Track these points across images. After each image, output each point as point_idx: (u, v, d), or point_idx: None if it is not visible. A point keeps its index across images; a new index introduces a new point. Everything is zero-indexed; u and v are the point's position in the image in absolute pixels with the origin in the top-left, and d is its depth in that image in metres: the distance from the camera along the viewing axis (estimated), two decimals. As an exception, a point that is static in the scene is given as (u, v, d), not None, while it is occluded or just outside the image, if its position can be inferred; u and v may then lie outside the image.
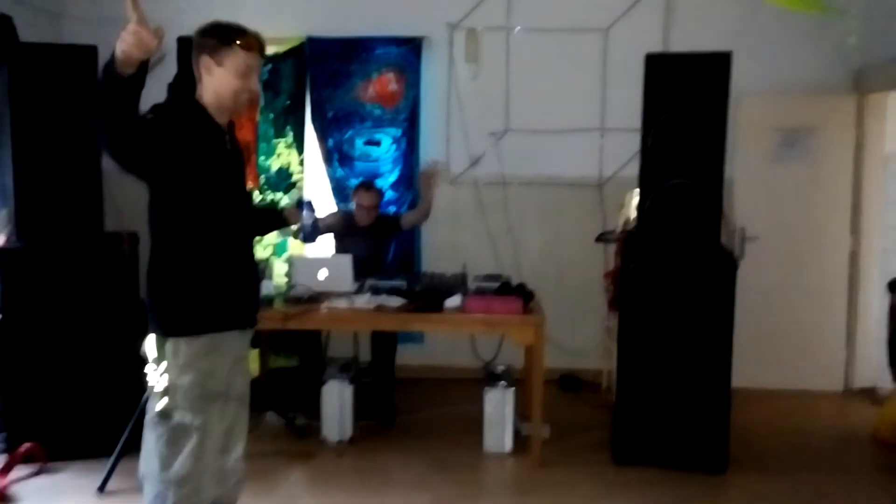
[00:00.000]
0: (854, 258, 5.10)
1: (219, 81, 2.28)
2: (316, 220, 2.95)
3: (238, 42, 2.27)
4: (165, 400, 2.28)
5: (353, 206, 4.78)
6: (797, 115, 5.01)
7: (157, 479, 2.32)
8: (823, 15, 4.37)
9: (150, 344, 2.32)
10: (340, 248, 4.73)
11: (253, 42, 2.30)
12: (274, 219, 3.11)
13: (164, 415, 2.28)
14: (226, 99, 2.30)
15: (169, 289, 2.30)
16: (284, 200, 5.19)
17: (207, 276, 2.31)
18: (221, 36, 2.28)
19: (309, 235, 2.97)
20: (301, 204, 2.92)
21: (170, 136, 2.16)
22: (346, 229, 4.70)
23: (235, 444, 2.48)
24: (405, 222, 4.82)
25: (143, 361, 2.36)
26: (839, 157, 5.02)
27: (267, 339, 4.84)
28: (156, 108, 2.21)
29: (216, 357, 2.33)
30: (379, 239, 4.80)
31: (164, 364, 2.28)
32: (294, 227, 3.31)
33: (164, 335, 2.28)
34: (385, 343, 4.53)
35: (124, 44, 1.92)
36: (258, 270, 2.65)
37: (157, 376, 2.28)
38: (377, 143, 5.19)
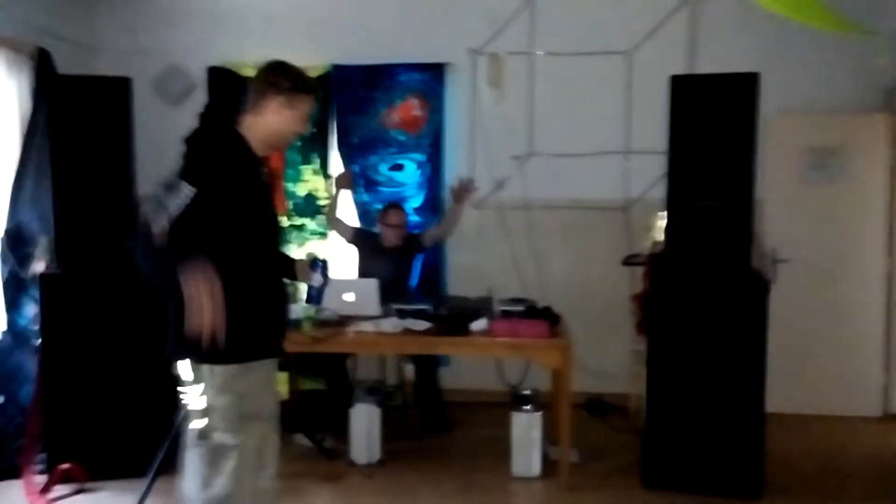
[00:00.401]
0: (891, 280, 5.01)
1: (283, 123, 2.38)
2: (325, 285, 2.81)
3: (310, 92, 2.42)
4: (204, 421, 2.31)
5: (378, 228, 4.84)
6: (828, 134, 4.96)
7: (200, 499, 2.35)
8: (854, 34, 4.34)
9: (184, 366, 2.35)
10: (365, 270, 4.76)
11: (316, 93, 2.46)
12: (286, 268, 3.00)
13: (203, 435, 2.33)
14: (281, 139, 2.44)
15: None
16: (311, 225, 5.25)
17: (244, 307, 2.33)
18: (298, 82, 2.40)
19: (316, 298, 2.84)
20: (315, 264, 2.82)
21: (212, 192, 2.21)
22: (371, 250, 4.75)
23: (269, 462, 2.52)
24: (427, 238, 4.87)
25: (178, 382, 2.40)
26: (872, 177, 4.96)
27: (295, 362, 4.88)
28: (195, 155, 2.25)
29: (251, 378, 2.38)
30: (404, 259, 4.83)
31: (201, 386, 2.31)
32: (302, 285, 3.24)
33: (199, 362, 2.32)
34: (425, 361, 4.68)
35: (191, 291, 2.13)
36: (287, 302, 2.67)
37: (194, 398, 2.32)
38: (402, 168, 5.24)
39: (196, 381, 2.32)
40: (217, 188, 2.22)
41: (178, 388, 2.40)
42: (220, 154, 2.27)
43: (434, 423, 4.73)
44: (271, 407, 2.53)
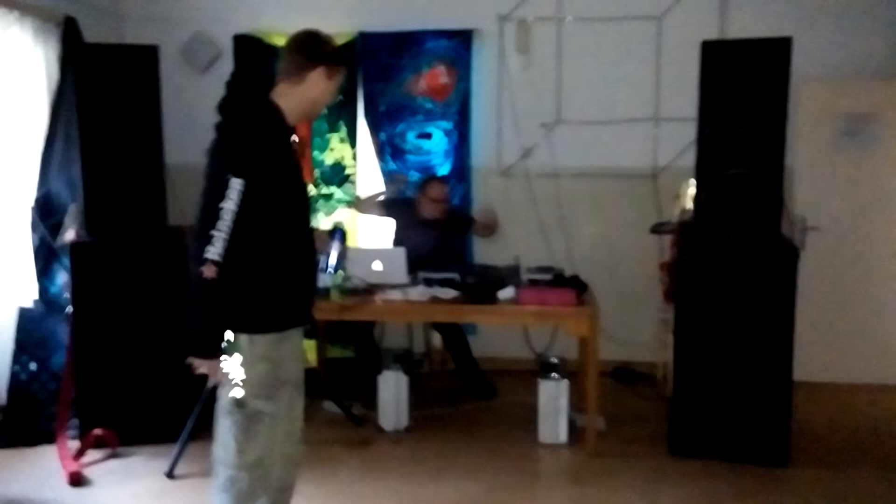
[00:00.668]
0: (919, 248, 4.94)
1: (322, 93, 2.41)
2: (342, 254, 2.78)
3: (345, 64, 2.46)
4: (240, 389, 2.35)
5: (417, 198, 4.73)
6: (861, 101, 4.86)
7: (232, 464, 2.39)
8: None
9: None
10: (401, 238, 4.69)
11: (337, 50, 2.48)
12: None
13: (240, 403, 2.36)
14: (316, 109, 2.47)
15: (243, 291, 2.32)
16: (338, 193, 5.26)
17: (280, 277, 2.35)
18: (336, 54, 2.43)
19: (333, 266, 2.78)
20: (334, 232, 2.77)
21: (259, 178, 2.21)
22: (407, 219, 4.70)
23: (294, 427, 2.56)
24: (476, 230, 4.92)
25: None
26: (903, 144, 4.87)
27: (323, 330, 4.93)
28: (237, 139, 2.24)
29: (285, 346, 2.42)
30: (447, 235, 4.79)
31: (238, 356, 2.35)
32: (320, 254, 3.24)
33: (237, 332, 2.34)
34: (452, 333, 4.74)
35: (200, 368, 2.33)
36: (316, 269, 2.69)
37: (231, 366, 2.35)
38: (429, 136, 5.22)
39: (233, 350, 2.35)
40: (263, 173, 2.23)
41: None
42: (262, 135, 2.26)
43: (479, 389, 4.79)
44: (299, 371, 2.57)
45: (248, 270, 2.30)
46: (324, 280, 4.06)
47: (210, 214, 2.17)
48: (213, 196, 2.18)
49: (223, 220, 2.16)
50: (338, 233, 2.73)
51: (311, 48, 2.39)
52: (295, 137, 2.44)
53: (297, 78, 2.37)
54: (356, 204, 5.04)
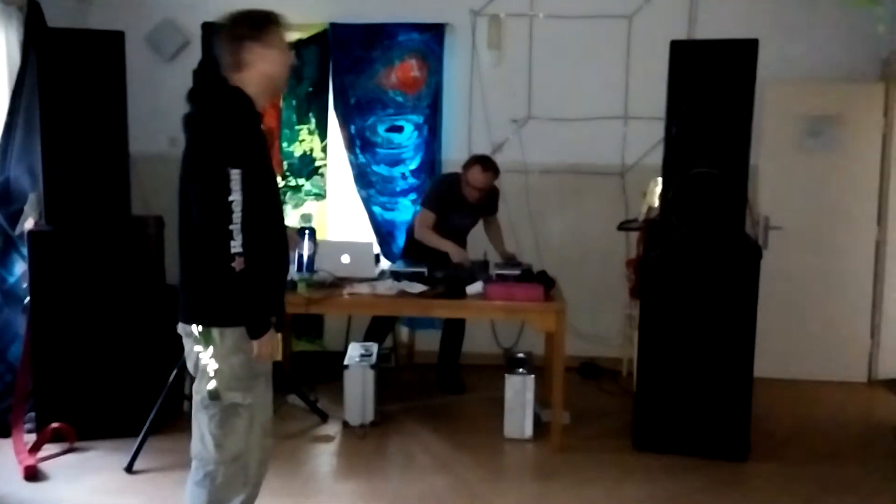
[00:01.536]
0: (880, 248, 5.05)
1: (271, 62, 2.33)
2: (314, 254, 2.75)
3: (274, 22, 2.35)
4: (215, 382, 2.32)
5: (462, 177, 4.48)
6: (824, 102, 4.95)
7: (210, 459, 2.37)
8: (852, 2, 4.31)
9: (193, 328, 2.34)
10: (443, 220, 4.50)
11: (282, 18, 2.39)
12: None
13: (215, 396, 2.33)
14: (279, 77, 2.39)
15: (217, 284, 2.28)
16: (306, 186, 5.22)
17: (253, 269, 2.30)
18: (258, 20, 2.34)
19: (306, 266, 2.74)
20: (303, 232, 2.74)
21: (248, 166, 2.21)
22: (451, 198, 4.49)
23: (267, 420, 2.54)
24: (487, 220, 4.74)
25: (171, 342, 2.39)
26: (866, 146, 4.96)
27: (290, 323, 4.89)
28: (220, 130, 2.22)
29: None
30: (481, 212, 4.66)
31: (212, 348, 2.32)
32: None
33: (208, 326, 2.32)
34: (456, 327, 4.73)
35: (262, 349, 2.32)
36: (288, 255, 2.65)
37: (205, 359, 2.32)
38: (399, 130, 5.19)
39: (207, 343, 2.32)
40: (249, 161, 2.22)
41: (190, 351, 2.39)
42: (241, 123, 2.25)
43: (449, 384, 4.79)
44: (269, 365, 2.54)
45: (221, 262, 2.26)
46: (291, 273, 4.04)
47: (220, 211, 2.17)
48: (218, 192, 2.17)
49: (235, 213, 2.18)
50: (308, 231, 2.70)
51: (236, 31, 2.33)
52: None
53: (242, 63, 2.32)
54: (421, 235, 4.54)
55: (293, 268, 3.95)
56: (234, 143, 2.21)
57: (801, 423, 4.40)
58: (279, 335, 2.39)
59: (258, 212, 2.26)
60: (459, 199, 4.47)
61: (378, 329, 4.76)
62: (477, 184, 4.40)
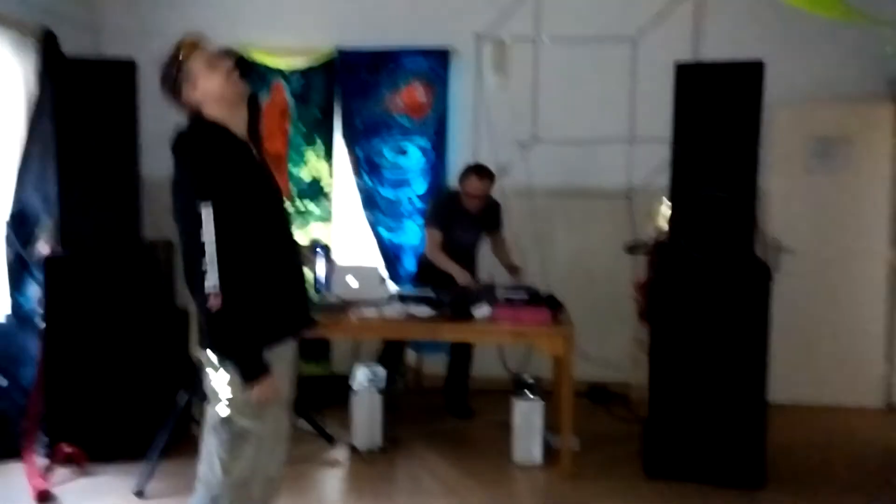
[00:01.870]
0: (893, 271, 5.01)
1: (208, 91, 2.31)
2: (330, 270, 2.69)
3: (183, 54, 2.34)
4: (227, 407, 2.32)
5: (460, 189, 4.55)
6: (833, 124, 4.94)
7: (216, 483, 2.35)
8: (859, 23, 4.32)
9: (209, 353, 2.33)
10: (448, 232, 4.51)
11: (190, 44, 2.37)
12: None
13: (227, 421, 2.32)
14: (225, 94, 2.33)
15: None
16: (314, 209, 5.25)
17: (265, 294, 2.32)
18: (171, 66, 2.35)
19: (322, 284, 2.67)
20: (315, 247, 2.69)
21: (224, 197, 2.19)
22: (452, 212, 4.52)
23: (279, 447, 2.51)
24: (493, 236, 4.72)
25: (181, 365, 2.38)
26: (876, 168, 4.95)
27: (297, 347, 4.88)
28: (191, 164, 2.22)
29: (276, 364, 2.35)
30: (483, 226, 4.66)
31: (227, 374, 2.31)
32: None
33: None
34: (464, 351, 4.75)
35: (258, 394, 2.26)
36: (303, 271, 2.63)
37: (218, 384, 2.32)
38: (405, 153, 5.22)
39: (221, 367, 2.32)
40: (226, 191, 2.20)
41: (205, 375, 2.38)
42: (213, 154, 2.23)
43: (457, 408, 4.78)
44: (288, 391, 2.53)
45: (229, 289, 2.26)
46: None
47: (194, 249, 2.16)
48: (191, 230, 2.16)
49: (208, 251, 2.15)
50: (320, 248, 2.65)
51: (165, 88, 2.37)
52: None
53: (193, 102, 2.33)
54: (431, 255, 4.59)
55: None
56: (201, 178, 2.18)
57: (817, 449, 4.34)
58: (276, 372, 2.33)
59: (248, 241, 2.25)
60: (460, 211, 4.50)
61: (390, 355, 4.76)
62: (474, 191, 4.44)
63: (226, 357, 2.25)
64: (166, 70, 2.36)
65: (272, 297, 2.36)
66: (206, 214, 2.15)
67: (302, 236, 5.12)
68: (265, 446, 2.41)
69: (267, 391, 2.26)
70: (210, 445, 2.38)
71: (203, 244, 2.14)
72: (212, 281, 2.15)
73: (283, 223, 2.47)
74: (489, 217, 4.66)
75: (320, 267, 2.65)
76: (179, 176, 2.25)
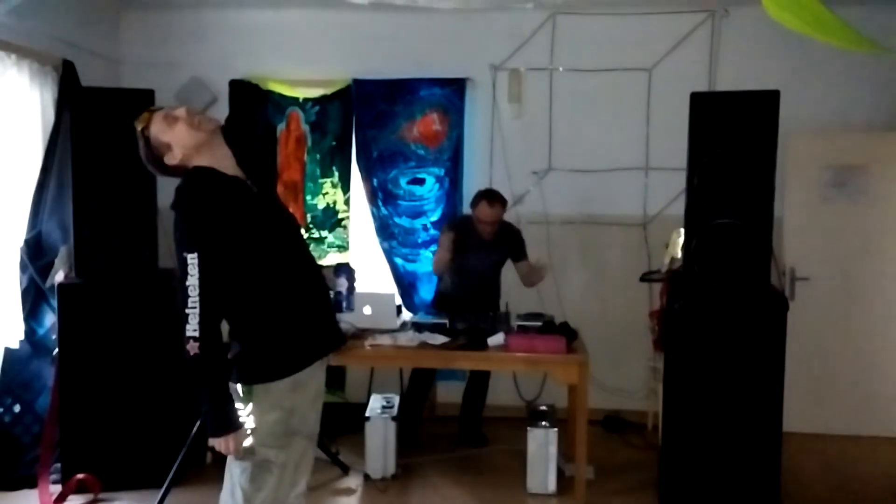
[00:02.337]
0: (909, 299, 4.96)
1: (180, 143, 2.36)
2: (352, 290, 2.71)
3: (142, 128, 2.40)
4: (251, 438, 2.32)
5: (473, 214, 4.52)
6: (849, 152, 4.93)
7: None
8: (873, 52, 4.32)
9: (233, 386, 2.35)
10: (459, 260, 4.48)
11: (141, 118, 2.43)
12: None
13: (249, 451, 2.33)
14: (198, 138, 2.36)
15: (249, 343, 2.35)
16: (329, 238, 5.28)
17: (284, 323, 2.35)
18: (141, 146, 2.42)
19: (345, 304, 2.68)
20: (339, 269, 2.70)
21: (213, 243, 2.23)
22: (466, 237, 4.45)
23: (300, 479, 2.52)
24: (520, 267, 4.62)
25: (195, 394, 2.39)
26: (892, 196, 4.91)
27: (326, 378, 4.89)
28: (177, 210, 2.27)
29: (300, 394, 2.39)
30: (499, 252, 4.59)
31: (251, 405, 2.33)
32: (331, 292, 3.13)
33: (248, 384, 2.34)
34: (480, 379, 4.73)
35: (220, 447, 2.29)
36: (326, 290, 2.64)
37: (243, 415, 2.33)
38: (421, 182, 5.25)
39: (246, 400, 2.33)
40: (217, 237, 2.24)
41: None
42: (203, 202, 2.27)
43: (471, 437, 4.76)
44: (314, 423, 2.54)
45: (248, 324, 2.31)
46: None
47: (181, 295, 2.22)
48: (181, 276, 2.23)
49: (191, 297, 2.20)
50: (345, 268, 2.65)
51: (143, 154, 2.43)
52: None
53: (174, 162, 2.38)
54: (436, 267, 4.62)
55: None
56: (188, 228, 2.24)
57: (832, 479, 4.28)
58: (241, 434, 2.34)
59: (249, 279, 2.30)
60: (473, 237, 4.46)
61: (419, 383, 4.75)
62: (485, 217, 4.41)
63: (201, 403, 2.27)
64: (143, 152, 2.43)
65: (290, 325, 2.38)
66: (192, 263, 2.20)
67: (324, 260, 5.17)
68: (287, 477, 2.41)
69: (231, 445, 2.27)
70: (233, 474, 2.39)
71: (187, 290, 2.20)
72: (192, 327, 2.20)
73: (295, 248, 2.47)
74: (510, 246, 4.58)
75: (341, 285, 2.65)
76: (174, 225, 2.30)
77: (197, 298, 2.19)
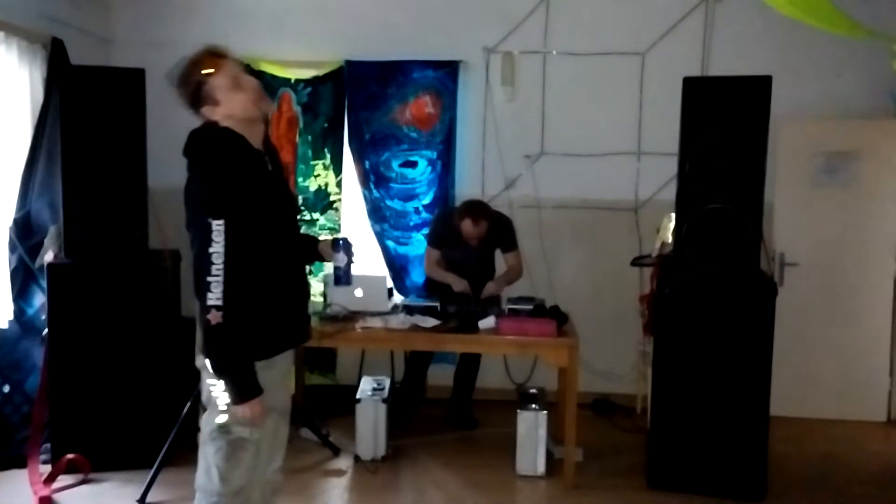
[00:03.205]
0: (898, 285, 5.00)
1: (228, 110, 2.29)
2: (350, 263, 2.70)
3: (206, 75, 2.29)
4: (226, 416, 2.32)
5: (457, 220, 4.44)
6: (840, 139, 4.94)
7: (214, 491, 2.36)
8: (866, 39, 4.33)
9: (208, 362, 2.33)
10: (448, 255, 4.55)
11: (214, 60, 2.31)
12: (309, 250, 2.84)
13: (224, 429, 2.33)
14: (246, 114, 2.31)
15: (231, 319, 2.30)
16: (321, 220, 5.27)
17: (266, 306, 2.33)
18: (191, 85, 2.30)
19: (343, 279, 2.68)
20: (337, 243, 2.71)
21: (237, 213, 2.19)
22: (451, 235, 4.45)
23: (276, 455, 2.55)
24: (507, 258, 4.62)
25: (185, 374, 2.40)
26: (882, 182, 4.94)
27: (303, 356, 4.90)
28: (207, 179, 2.21)
29: (271, 373, 2.38)
30: (489, 245, 4.58)
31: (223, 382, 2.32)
32: (329, 265, 3.11)
33: None
34: (470, 362, 4.74)
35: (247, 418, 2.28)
36: (308, 285, 2.64)
37: (218, 392, 2.32)
38: (413, 165, 5.24)
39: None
40: (239, 208, 2.21)
41: (204, 383, 2.39)
42: (230, 170, 2.23)
43: (461, 419, 4.78)
44: (284, 400, 2.55)
45: (234, 300, 2.27)
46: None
47: (202, 262, 2.17)
48: (201, 243, 2.17)
49: (215, 265, 2.15)
50: (343, 243, 2.64)
51: (181, 84, 2.33)
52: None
53: (210, 117, 2.31)
54: (429, 272, 4.67)
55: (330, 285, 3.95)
56: (215, 193, 2.19)
57: (818, 462, 4.33)
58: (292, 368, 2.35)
59: (256, 257, 2.26)
60: (458, 237, 4.41)
61: (416, 366, 4.77)
62: (470, 235, 4.34)
63: (220, 373, 2.25)
64: (184, 87, 2.32)
65: (275, 311, 2.37)
66: (217, 230, 2.15)
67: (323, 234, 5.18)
68: (263, 454, 2.43)
69: (256, 410, 2.27)
70: (207, 454, 2.38)
71: (211, 257, 2.15)
72: (215, 295, 2.16)
73: (290, 239, 2.47)
74: (499, 238, 4.54)
75: (340, 259, 2.65)
76: (192, 185, 2.25)
77: (221, 266, 2.15)
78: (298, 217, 3.36)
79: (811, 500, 3.82)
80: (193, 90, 2.30)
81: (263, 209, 2.31)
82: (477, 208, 4.39)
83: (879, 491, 3.97)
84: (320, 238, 2.77)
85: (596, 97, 5.16)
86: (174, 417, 3.86)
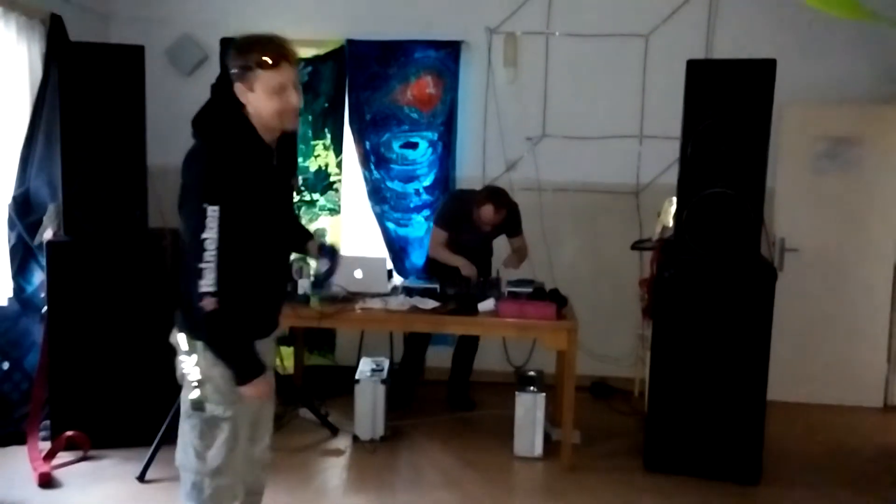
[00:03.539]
0: (897, 272, 5.00)
1: (256, 105, 2.24)
2: (331, 272, 2.68)
3: (259, 64, 2.20)
4: (197, 392, 2.31)
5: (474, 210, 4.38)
6: (843, 124, 4.92)
7: (193, 469, 2.36)
8: (871, 23, 4.29)
9: (180, 337, 2.34)
10: (453, 237, 4.50)
11: (276, 57, 2.21)
12: (300, 243, 2.78)
13: (197, 406, 2.31)
14: (269, 120, 2.26)
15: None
16: (321, 201, 5.25)
17: (245, 292, 2.30)
18: (243, 60, 2.22)
19: (320, 282, 2.64)
20: (323, 249, 2.70)
21: (233, 202, 2.16)
22: (462, 219, 4.42)
23: (263, 434, 2.54)
24: (512, 242, 4.60)
25: (174, 352, 2.39)
26: (884, 168, 4.92)
27: (302, 337, 4.91)
28: (209, 165, 2.17)
29: None
30: (495, 231, 4.55)
31: (196, 357, 2.31)
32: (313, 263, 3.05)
33: (195, 338, 2.31)
34: (469, 343, 4.74)
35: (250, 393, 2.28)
36: (287, 279, 2.62)
37: (189, 367, 2.31)
38: (414, 146, 5.22)
39: (191, 351, 2.31)
40: (236, 197, 2.18)
41: (176, 359, 2.39)
42: (234, 159, 2.20)
43: (459, 401, 4.79)
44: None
45: (226, 290, 2.23)
46: (304, 287, 4.07)
47: (196, 247, 2.14)
48: (194, 227, 2.15)
49: (208, 251, 2.13)
50: (329, 251, 2.62)
51: (229, 64, 2.25)
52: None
53: (238, 93, 2.24)
54: (434, 252, 4.61)
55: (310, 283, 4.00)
56: (215, 179, 2.15)
57: (814, 447, 4.35)
58: (290, 349, 2.33)
59: (247, 245, 2.24)
60: (470, 220, 4.39)
61: (415, 347, 4.77)
62: (488, 220, 4.32)
63: (221, 357, 2.25)
64: (236, 55, 2.23)
65: (249, 300, 2.33)
66: (212, 216, 2.13)
67: (314, 224, 5.18)
68: (242, 433, 2.38)
69: (262, 388, 2.27)
70: (184, 431, 2.37)
71: (204, 242, 2.13)
72: (207, 282, 2.14)
73: (276, 235, 2.42)
74: (506, 223, 4.49)
75: (322, 265, 2.64)
76: (194, 164, 2.22)
77: (215, 253, 2.13)
78: (295, 201, 3.31)
79: (806, 484, 3.84)
80: (241, 65, 2.23)
81: (257, 203, 2.26)
82: (501, 196, 4.36)
83: (874, 476, 3.99)
84: (314, 234, 2.75)
85: (598, 79, 5.13)
86: (174, 395, 3.80)
